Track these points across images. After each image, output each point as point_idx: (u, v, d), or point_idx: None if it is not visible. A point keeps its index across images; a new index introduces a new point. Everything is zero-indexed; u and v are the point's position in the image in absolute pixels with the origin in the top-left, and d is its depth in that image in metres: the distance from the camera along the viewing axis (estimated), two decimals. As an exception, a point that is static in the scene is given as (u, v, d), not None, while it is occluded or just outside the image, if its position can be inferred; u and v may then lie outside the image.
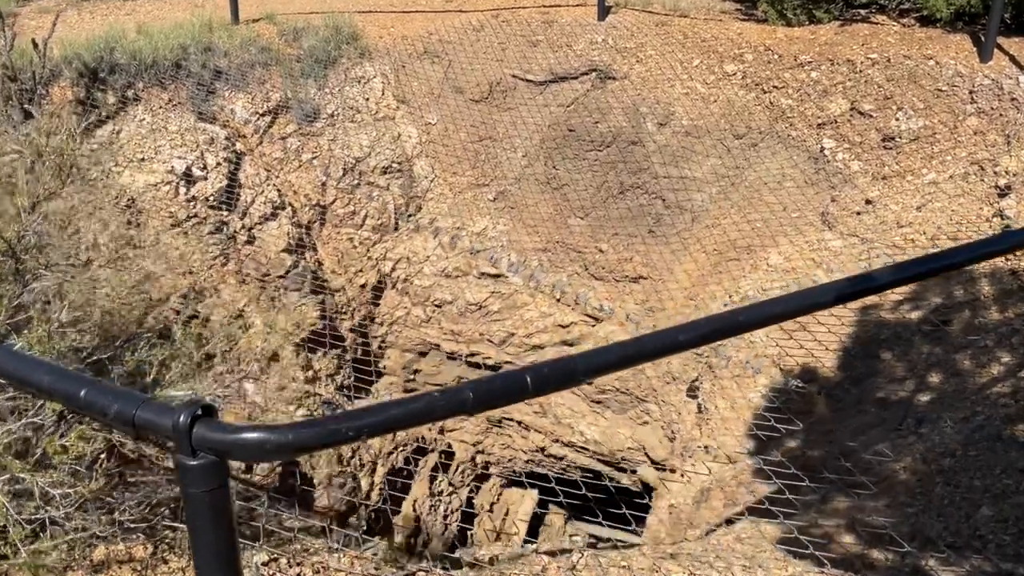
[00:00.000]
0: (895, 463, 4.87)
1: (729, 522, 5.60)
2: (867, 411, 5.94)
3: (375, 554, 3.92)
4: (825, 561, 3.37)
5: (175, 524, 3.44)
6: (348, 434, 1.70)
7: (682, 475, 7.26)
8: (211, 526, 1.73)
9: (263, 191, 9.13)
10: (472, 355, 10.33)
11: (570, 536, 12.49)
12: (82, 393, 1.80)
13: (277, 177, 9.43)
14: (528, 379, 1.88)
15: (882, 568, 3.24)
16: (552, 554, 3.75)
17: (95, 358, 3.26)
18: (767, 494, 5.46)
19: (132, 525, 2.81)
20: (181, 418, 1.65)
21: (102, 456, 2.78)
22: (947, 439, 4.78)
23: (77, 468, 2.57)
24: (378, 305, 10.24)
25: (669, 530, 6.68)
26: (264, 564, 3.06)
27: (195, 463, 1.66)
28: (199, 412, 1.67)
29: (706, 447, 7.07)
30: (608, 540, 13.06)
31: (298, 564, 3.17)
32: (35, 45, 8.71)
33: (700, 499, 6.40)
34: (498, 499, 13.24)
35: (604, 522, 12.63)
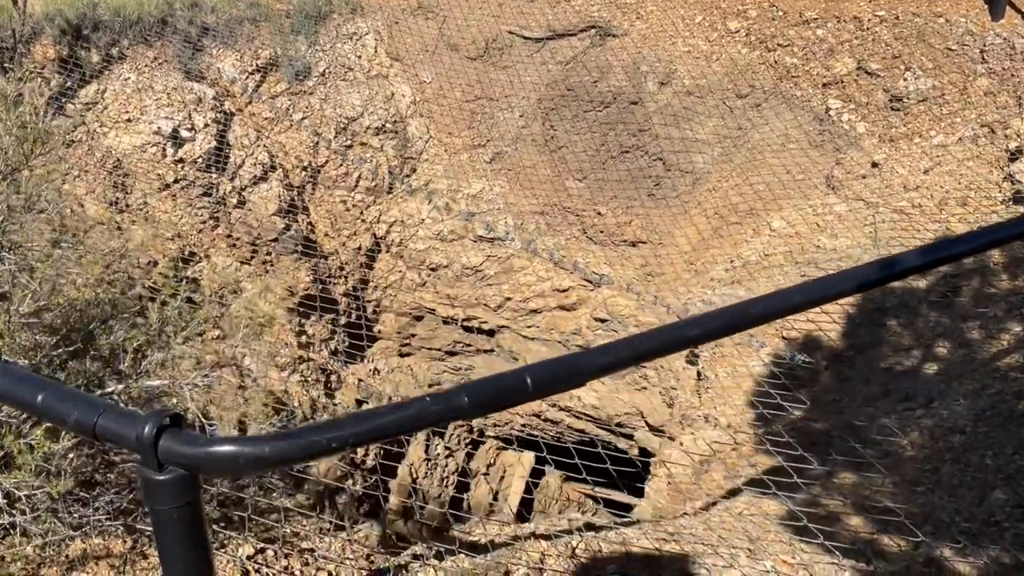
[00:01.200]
0: (902, 439, 4.74)
1: (730, 494, 5.49)
2: (872, 382, 5.81)
3: (367, 537, 3.80)
4: (833, 549, 3.24)
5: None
6: (330, 445, 1.54)
7: (681, 444, 7.17)
8: (181, 544, 1.57)
9: (253, 152, 8.89)
10: (468, 320, 10.18)
11: (568, 517, 12.49)
12: (39, 398, 1.63)
13: (267, 138, 9.19)
14: (528, 380, 1.72)
15: (894, 557, 3.12)
16: (547, 537, 3.64)
17: (61, 349, 3.10)
18: (769, 467, 5.34)
19: (108, 522, 2.67)
20: (146, 429, 1.48)
21: (71, 455, 2.64)
22: (956, 414, 4.65)
23: (46, 467, 2.42)
24: (372, 269, 10.06)
25: (668, 501, 6.59)
26: (250, 558, 2.94)
27: (162, 478, 1.50)
28: (166, 422, 1.51)
29: (706, 416, 6.95)
30: (601, 502, 13.06)
31: (286, 556, 3.05)
32: (14, 2, 8.40)
33: (700, 470, 6.30)
34: (494, 461, 13.21)
35: (599, 493, 12.61)
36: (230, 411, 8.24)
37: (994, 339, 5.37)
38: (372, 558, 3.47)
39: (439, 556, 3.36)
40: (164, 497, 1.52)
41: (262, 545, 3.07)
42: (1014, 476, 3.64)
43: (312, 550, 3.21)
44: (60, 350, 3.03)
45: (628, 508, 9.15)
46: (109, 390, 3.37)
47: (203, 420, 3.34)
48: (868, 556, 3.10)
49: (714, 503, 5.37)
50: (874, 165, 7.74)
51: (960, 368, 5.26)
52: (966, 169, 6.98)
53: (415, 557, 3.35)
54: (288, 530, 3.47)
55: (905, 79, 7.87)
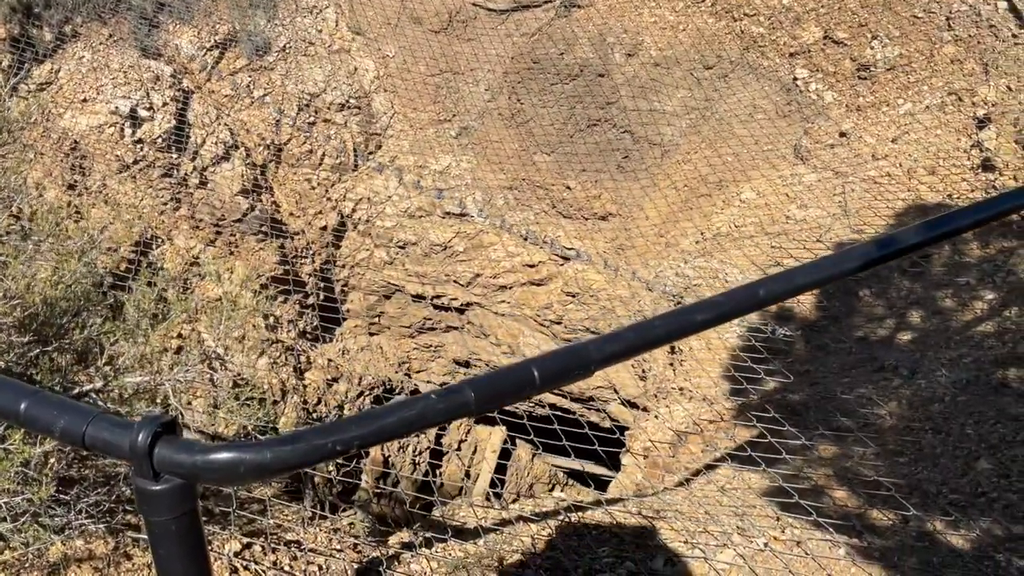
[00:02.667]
0: (881, 408, 4.77)
1: (709, 467, 5.51)
2: (847, 351, 5.84)
3: (352, 525, 3.73)
4: (824, 524, 3.24)
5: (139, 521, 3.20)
6: (335, 449, 1.47)
7: (656, 416, 7.18)
8: (179, 556, 1.49)
9: (214, 131, 8.67)
10: (438, 297, 10.10)
11: (555, 497, 12.51)
12: (22, 407, 1.53)
13: (228, 116, 8.96)
14: (535, 372, 1.66)
15: (884, 530, 3.13)
16: (536, 520, 3.60)
17: (35, 348, 2.96)
18: (748, 440, 5.36)
19: (90, 524, 2.57)
20: (140, 437, 1.39)
21: (51, 460, 2.52)
22: (934, 383, 4.69)
23: (25, 471, 2.31)
24: (339, 247, 9.91)
25: (645, 474, 6.60)
26: (236, 554, 2.84)
27: (158, 488, 1.42)
28: (161, 428, 1.42)
29: (681, 388, 6.96)
30: (576, 472, 13.12)
31: (273, 550, 2.96)
32: (-42, -23, 8.06)
33: (677, 442, 6.31)
34: (466, 436, 13.19)
35: (573, 465, 12.67)
36: (201, 398, 8.11)
37: (967, 307, 5.42)
38: (360, 548, 3.40)
39: (428, 543, 3.31)
40: (160, 508, 1.44)
41: (248, 540, 2.99)
42: (997, 446, 3.67)
43: (298, 542, 3.13)
44: (34, 349, 2.89)
45: (605, 481, 9.18)
46: (87, 389, 3.25)
47: (182, 415, 3.21)
48: (859, 530, 3.11)
49: (694, 475, 5.38)
50: (842, 134, 7.75)
51: (935, 337, 5.30)
52: (934, 137, 7.01)
53: (405, 546, 3.29)
54: (272, 521, 3.39)
55: (872, 47, 7.87)
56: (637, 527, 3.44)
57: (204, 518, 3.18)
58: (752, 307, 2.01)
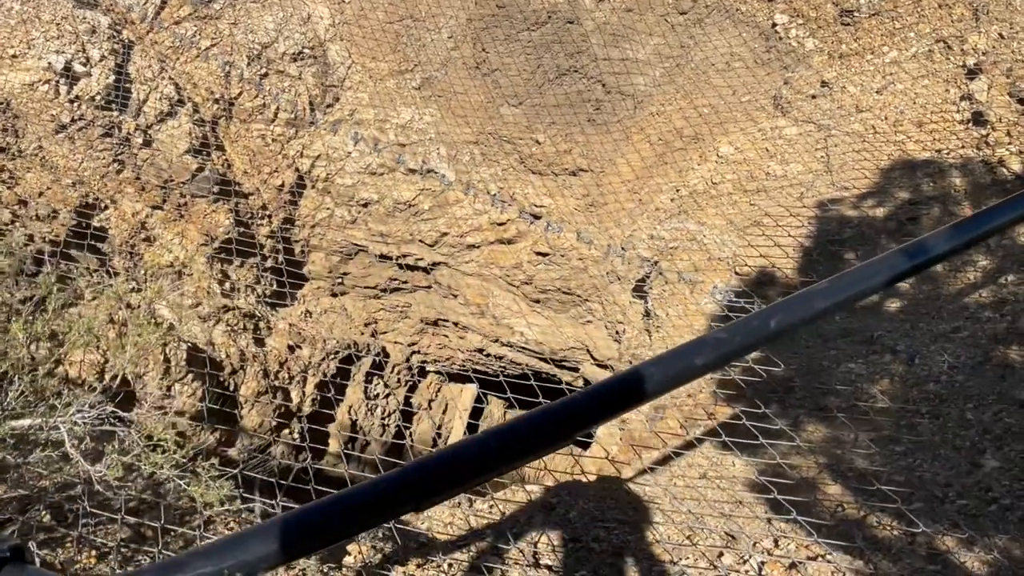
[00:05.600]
0: (871, 385, 4.49)
1: (688, 446, 5.22)
2: (832, 321, 5.55)
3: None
4: (812, 531, 2.95)
5: (56, 527, 2.83)
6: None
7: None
8: None
9: (158, 86, 8.09)
10: (403, 256, 9.68)
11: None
12: None
13: (173, 69, 8.37)
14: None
15: (890, 547, 2.83)
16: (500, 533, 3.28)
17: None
18: (729, 417, 5.08)
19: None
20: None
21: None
22: (928, 359, 4.40)
23: None
24: (297, 207, 9.43)
25: (621, 448, 6.33)
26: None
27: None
28: (7, 554, 1.10)
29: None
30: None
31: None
32: None
33: (654, 416, 6.02)
34: (436, 395, 12.92)
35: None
36: (151, 370, 7.69)
37: (960, 273, 5.12)
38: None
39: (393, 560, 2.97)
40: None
41: None
42: (1003, 437, 3.39)
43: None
44: None
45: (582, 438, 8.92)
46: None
47: (86, 467, 2.78)
48: (861, 548, 2.81)
49: (674, 455, 5.09)
50: (824, 84, 7.37)
51: (927, 306, 5.01)
52: (921, 88, 6.65)
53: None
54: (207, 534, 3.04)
55: (855, -9, 7.45)
56: (617, 543, 3.12)
57: (131, 544, 2.81)
58: (763, 340, 1.66)
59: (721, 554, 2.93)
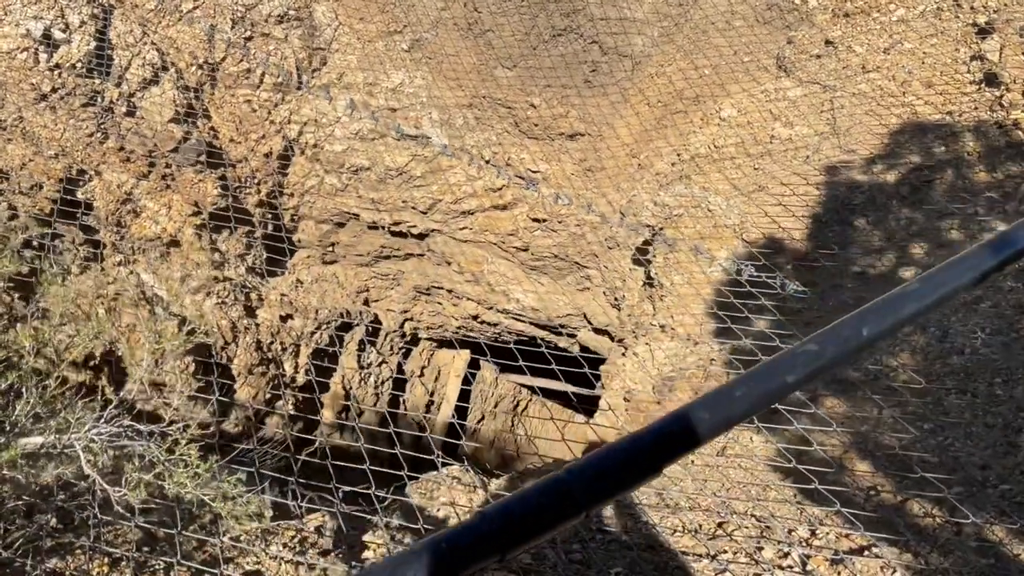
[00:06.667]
0: (891, 358, 4.38)
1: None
2: (844, 287, 5.44)
3: (320, 528, 3.24)
4: (855, 520, 2.85)
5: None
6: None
7: (635, 354, 6.78)
8: None
9: (140, 52, 7.79)
10: (396, 224, 9.48)
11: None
12: None
13: (155, 33, 8.06)
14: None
15: (935, 536, 2.74)
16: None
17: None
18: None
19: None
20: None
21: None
22: (950, 331, 4.29)
23: None
24: (286, 175, 9.18)
25: (628, 420, 6.23)
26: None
27: None
28: None
29: (662, 326, 6.54)
30: (558, 394, 12.88)
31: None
32: None
33: (662, 388, 5.92)
34: (429, 362, 12.81)
35: (537, 383, 12.36)
36: (142, 347, 7.50)
37: (976, 239, 5.00)
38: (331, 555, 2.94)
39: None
40: None
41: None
42: (1039, 415, 3.29)
43: (259, 573, 2.66)
44: None
45: (588, 402, 8.84)
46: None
47: (104, 486, 2.63)
48: (904, 535, 2.72)
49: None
50: (828, 43, 7.18)
51: (943, 275, 4.89)
52: (930, 47, 6.48)
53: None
54: (227, 539, 2.90)
55: (860, -54, 7.23)
56: (648, 534, 3.02)
57: (146, 548, 2.67)
58: (855, 351, 1.52)
59: (760, 546, 2.83)
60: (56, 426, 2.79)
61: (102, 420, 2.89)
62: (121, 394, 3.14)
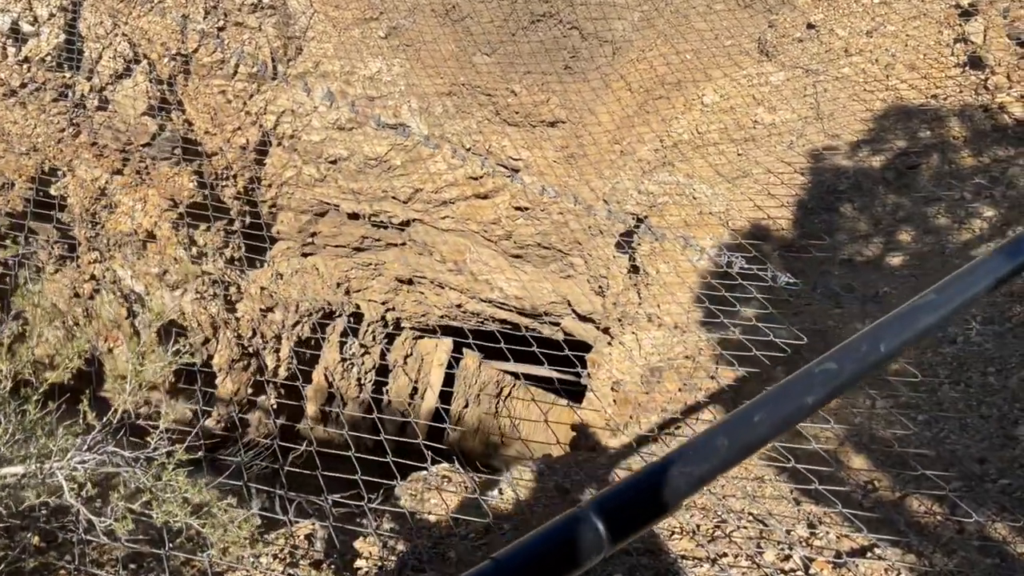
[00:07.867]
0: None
1: (690, 410, 5.09)
2: (831, 274, 5.41)
3: (311, 536, 3.16)
4: (852, 518, 2.82)
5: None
6: None
7: (621, 344, 6.73)
8: None
9: (111, 43, 7.62)
10: (376, 214, 9.37)
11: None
12: None
13: (126, 24, 7.88)
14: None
15: (935, 533, 2.72)
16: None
17: None
18: (734, 380, 4.95)
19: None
20: None
21: None
22: (940, 319, 4.26)
23: None
24: (263, 166, 9.04)
25: (616, 410, 6.20)
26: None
27: None
28: None
29: (649, 315, 6.50)
30: (521, 377, 12.85)
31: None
32: None
33: (650, 378, 5.88)
34: (412, 351, 12.74)
35: (521, 369, 12.32)
36: (119, 345, 7.38)
37: (964, 225, 5.00)
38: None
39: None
40: None
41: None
42: (1034, 405, 3.27)
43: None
44: None
45: (573, 388, 8.80)
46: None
47: (89, 516, 2.54)
48: (905, 533, 2.69)
49: (675, 424, 4.97)
50: (810, 26, 7.14)
51: (932, 260, 4.88)
52: (913, 29, 6.45)
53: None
54: (213, 552, 2.82)
55: (841, -73, 7.17)
56: (646, 537, 2.97)
57: (132, 566, 2.59)
58: (873, 367, 1.48)
59: (760, 549, 2.80)
60: (37, 453, 2.68)
61: (85, 447, 2.78)
62: (104, 419, 3.04)
